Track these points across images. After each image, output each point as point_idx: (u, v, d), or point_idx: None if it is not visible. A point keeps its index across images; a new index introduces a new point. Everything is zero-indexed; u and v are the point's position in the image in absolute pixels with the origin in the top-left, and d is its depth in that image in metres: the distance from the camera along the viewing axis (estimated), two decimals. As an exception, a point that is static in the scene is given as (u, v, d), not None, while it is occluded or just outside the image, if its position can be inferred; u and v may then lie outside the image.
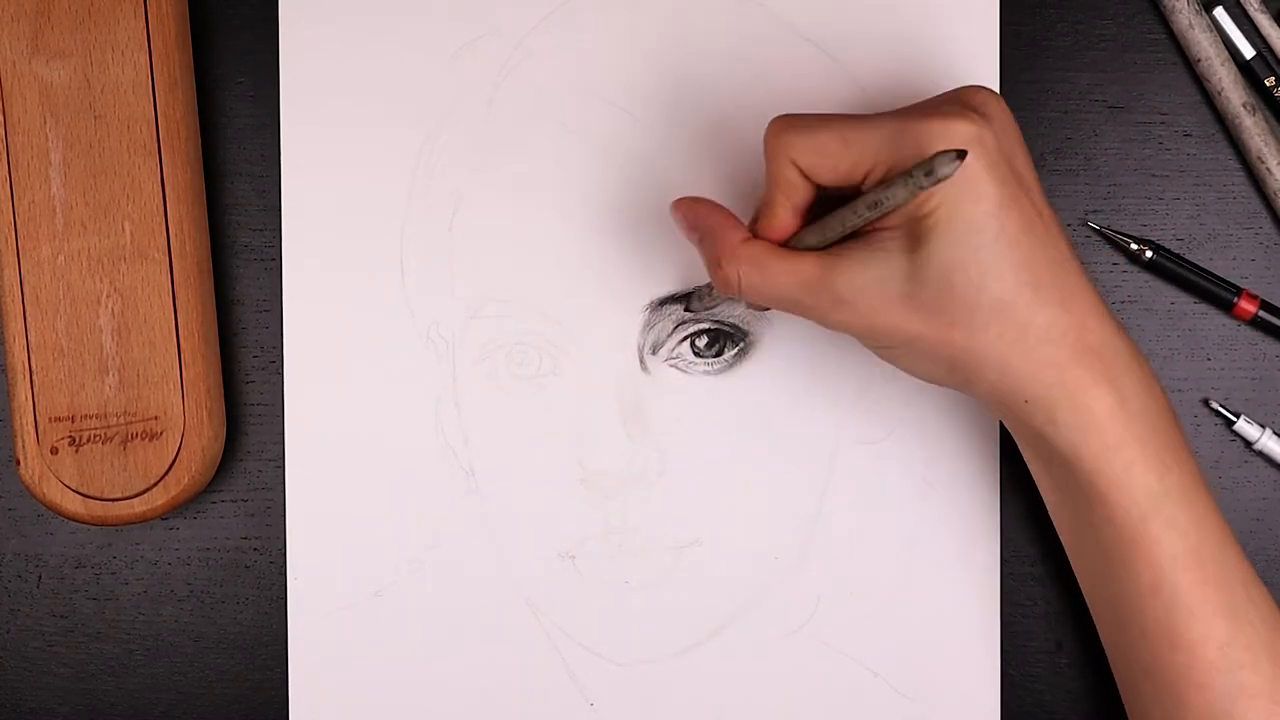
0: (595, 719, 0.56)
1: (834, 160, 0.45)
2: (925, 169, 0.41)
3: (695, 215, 0.48)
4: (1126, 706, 0.50)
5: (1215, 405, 0.56)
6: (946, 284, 0.44)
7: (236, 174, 0.56)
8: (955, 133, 0.44)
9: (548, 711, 0.56)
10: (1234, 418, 0.55)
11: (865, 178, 0.45)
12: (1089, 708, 0.56)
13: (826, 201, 0.47)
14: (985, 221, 0.44)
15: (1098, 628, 0.51)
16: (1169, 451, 0.46)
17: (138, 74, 0.53)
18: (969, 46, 0.55)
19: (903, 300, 0.45)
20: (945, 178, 0.41)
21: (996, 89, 0.55)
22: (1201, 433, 0.56)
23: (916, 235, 0.45)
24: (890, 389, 0.55)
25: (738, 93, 0.55)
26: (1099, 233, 0.56)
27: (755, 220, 0.48)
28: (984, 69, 0.55)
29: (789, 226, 0.47)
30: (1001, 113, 0.46)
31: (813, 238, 0.47)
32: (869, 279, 0.45)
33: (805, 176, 0.46)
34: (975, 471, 0.55)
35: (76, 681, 0.57)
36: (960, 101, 0.46)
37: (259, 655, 0.57)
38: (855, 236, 0.46)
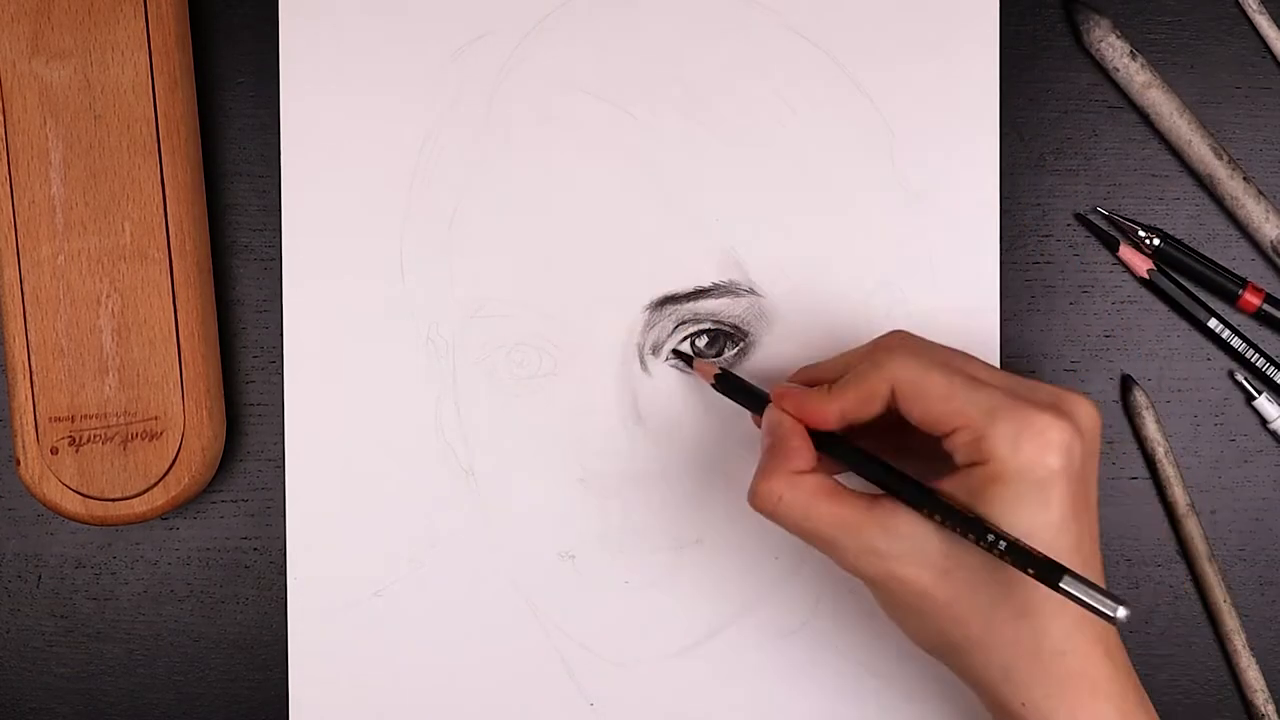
0: (595, 719, 0.56)
1: (930, 405, 0.45)
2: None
3: (779, 423, 0.48)
4: None
5: (1240, 379, 0.56)
6: (985, 574, 0.44)
7: (236, 174, 0.56)
8: (1052, 435, 0.43)
9: (548, 711, 0.56)
10: (1256, 394, 0.55)
11: (950, 434, 0.45)
12: (1089, 708, 0.56)
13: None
14: (1043, 533, 0.43)
15: None
16: None
17: (138, 74, 0.53)
18: (969, 46, 0.55)
19: (936, 573, 0.45)
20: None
21: (996, 89, 0.55)
22: (1200, 432, 0.56)
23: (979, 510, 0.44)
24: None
25: (738, 93, 0.55)
26: (1107, 218, 0.56)
27: (809, 380, 0.48)
28: (984, 69, 0.55)
29: (832, 423, 0.47)
30: (1093, 427, 0.46)
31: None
32: (911, 543, 0.45)
33: (890, 397, 0.46)
34: (975, 471, 0.55)
35: (76, 681, 0.57)
36: (1060, 402, 0.45)
37: (259, 655, 0.57)
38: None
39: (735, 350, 0.55)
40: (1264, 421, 0.56)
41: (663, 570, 0.55)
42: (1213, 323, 0.55)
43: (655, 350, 0.55)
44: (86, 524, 0.54)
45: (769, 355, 0.55)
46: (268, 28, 0.56)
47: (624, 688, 0.56)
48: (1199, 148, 0.55)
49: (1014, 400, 0.44)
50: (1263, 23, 0.56)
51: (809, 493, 0.46)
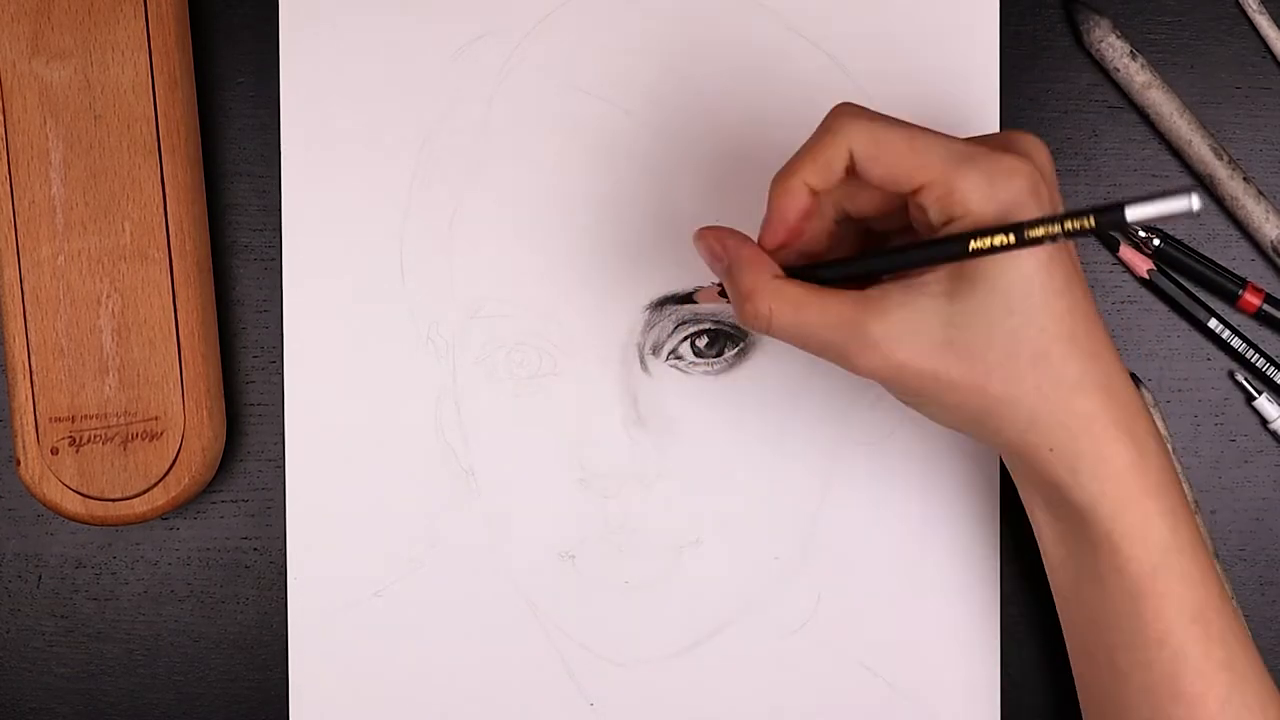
0: (595, 719, 0.56)
1: (894, 159, 0.44)
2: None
3: (723, 246, 0.47)
4: None
5: (1240, 379, 0.56)
6: (987, 332, 0.44)
7: (236, 174, 0.56)
8: (1023, 175, 0.43)
9: (548, 711, 0.56)
10: (1256, 394, 0.55)
11: (917, 190, 0.44)
12: (1089, 708, 0.56)
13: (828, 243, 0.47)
14: (1034, 271, 0.44)
15: (1087, 684, 0.50)
16: (1180, 506, 0.47)
17: (138, 74, 0.53)
18: (969, 46, 0.55)
19: (940, 346, 0.44)
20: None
21: (996, 89, 0.55)
22: (1200, 432, 0.56)
23: (961, 279, 0.44)
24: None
25: (737, 93, 0.55)
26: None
27: (769, 206, 0.47)
28: (984, 69, 0.55)
29: (802, 206, 0.46)
30: (1048, 160, 0.46)
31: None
32: (907, 323, 0.44)
33: (849, 168, 0.45)
34: (975, 471, 0.55)
35: (76, 681, 0.57)
36: (1011, 146, 0.45)
37: (259, 655, 0.57)
38: (889, 278, 0.46)
39: (735, 350, 0.55)
40: (1264, 421, 0.56)
41: (663, 570, 0.55)
42: (1213, 323, 0.55)
43: (655, 350, 0.55)
44: (86, 524, 0.54)
45: (769, 355, 0.55)
46: (268, 28, 0.56)
47: (624, 688, 0.56)
48: (1199, 148, 0.55)
49: (976, 148, 0.44)
50: (1263, 23, 0.56)
51: (796, 299, 0.45)
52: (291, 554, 0.56)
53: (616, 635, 0.56)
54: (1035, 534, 0.50)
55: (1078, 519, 0.47)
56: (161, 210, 0.53)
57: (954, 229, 0.43)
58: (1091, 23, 0.55)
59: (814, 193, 0.46)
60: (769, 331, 0.46)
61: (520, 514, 0.55)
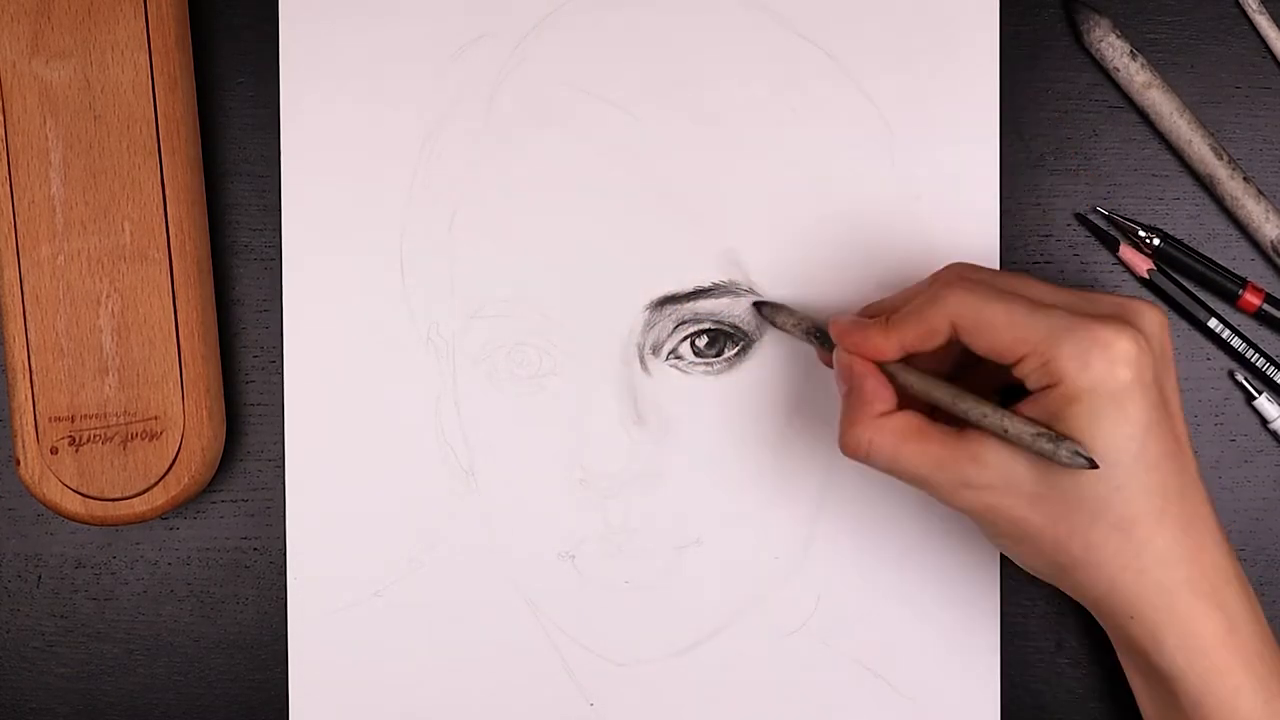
0: (595, 719, 0.56)
1: (994, 336, 0.45)
2: (1059, 448, 0.43)
3: (850, 368, 0.48)
4: None
5: (1240, 379, 0.56)
6: (1075, 494, 0.45)
7: (236, 174, 0.56)
8: (1118, 347, 0.44)
9: (548, 711, 0.56)
10: (1256, 394, 0.55)
11: (1017, 362, 0.45)
12: (1089, 708, 0.56)
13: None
14: (1125, 444, 0.44)
15: None
16: (1274, 675, 0.46)
17: (138, 74, 0.53)
18: (969, 46, 0.55)
19: (1029, 499, 0.45)
20: (1065, 465, 0.43)
21: (996, 89, 0.55)
22: (1201, 433, 0.56)
23: (1071, 431, 0.44)
24: (890, 389, 0.55)
25: (737, 93, 0.55)
26: (1107, 218, 0.56)
27: (876, 315, 0.48)
28: (984, 69, 0.55)
29: (893, 356, 0.47)
30: (1161, 332, 0.46)
31: (915, 381, 0.47)
32: (1000, 472, 0.45)
33: (952, 332, 0.46)
34: (975, 471, 0.55)
35: (76, 681, 0.57)
36: (1123, 312, 0.45)
37: (259, 655, 0.57)
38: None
39: (735, 350, 0.55)
40: (1264, 421, 0.56)
41: (663, 570, 0.55)
42: (1213, 323, 0.55)
43: (655, 350, 0.55)
44: (86, 524, 0.54)
45: (769, 355, 0.55)
46: (268, 28, 0.56)
47: (624, 688, 0.56)
48: (1199, 148, 0.55)
49: (1076, 319, 0.44)
50: (1263, 23, 0.56)
51: (896, 435, 0.46)
52: (291, 554, 0.56)
53: (616, 635, 0.56)
54: (1133, 692, 0.50)
55: (1167, 684, 0.47)
56: (161, 210, 0.53)
57: (1049, 395, 0.44)
58: (1091, 23, 0.55)
59: (910, 350, 0.47)
60: (867, 460, 0.47)
61: (520, 514, 0.55)
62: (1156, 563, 0.45)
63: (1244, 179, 0.55)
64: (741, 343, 0.55)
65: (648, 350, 0.55)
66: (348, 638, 0.56)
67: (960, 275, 0.47)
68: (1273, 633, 0.48)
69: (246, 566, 0.57)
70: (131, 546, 0.57)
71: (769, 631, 0.56)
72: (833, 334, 0.49)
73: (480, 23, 0.55)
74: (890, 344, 0.47)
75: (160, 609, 0.57)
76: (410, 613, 0.56)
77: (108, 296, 0.53)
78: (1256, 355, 0.55)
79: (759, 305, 0.54)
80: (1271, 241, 0.55)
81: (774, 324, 0.53)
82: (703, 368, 0.55)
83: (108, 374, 0.53)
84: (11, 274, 0.53)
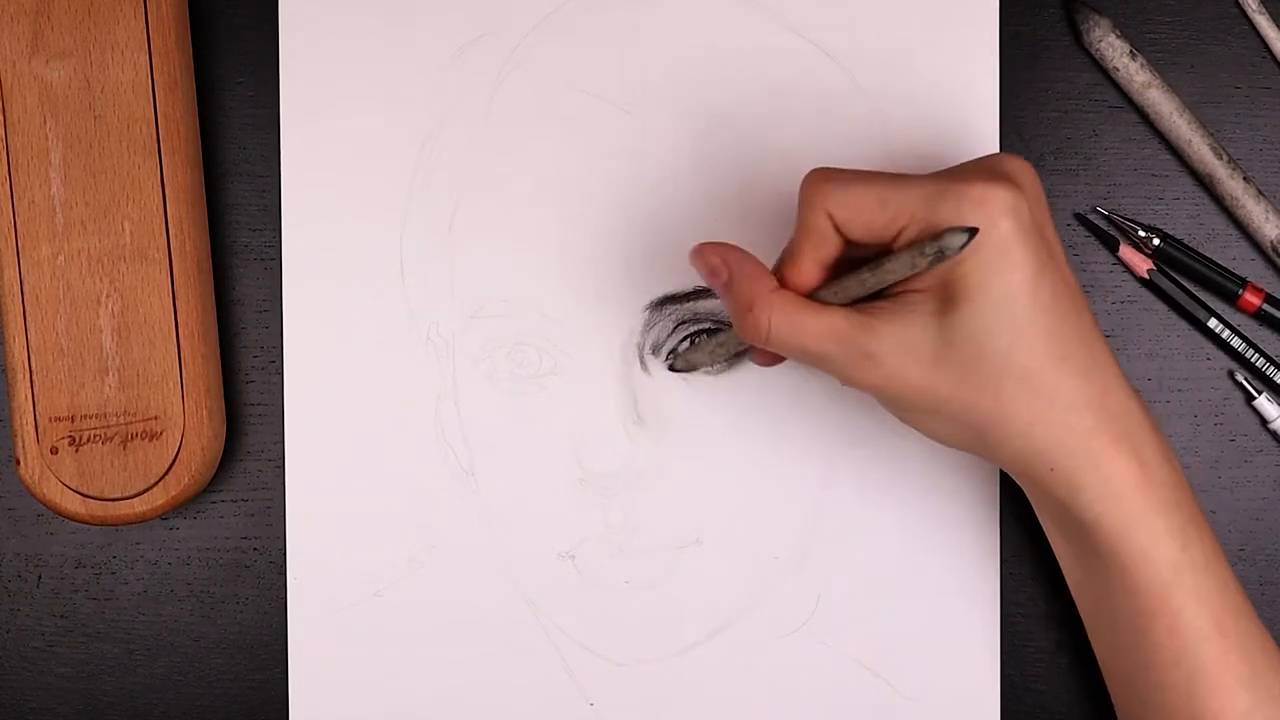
0: (595, 719, 0.56)
1: (869, 216, 0.45)
2: (934, 247, 0.43)
3: (723, 259, 0.48)
4: None
5: (1240, 379, 0.56)
6: (976, 350, 0.44)
7: (236, 174, 0.56)
8: (993, 199, 0.44)
9: (548, 711, 0.56)
10: (1256, 394, 0.55)
11: (898, 236, 0.45)
12: (1089, 708, 0.56)
13: (849, 263, 0.47)
14: (1019, 291, 0.44)
15: (1114, 700, 0.50)
16: (1191, 522, 0.46)
17: (138, 74, 0.53)
18: (969, 46, 0.55)
19: (932, 363, 0.45)
20: (951, 254, 0.42)
21: (996, 89, 0.55)
22: (1200, 432, 0.56)
23: (949, 299, 0.45)
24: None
25: (737, 93, 0.55)
26: (1107, 218, 0.56)
27: (778, 268, 0.48)
28: (984, 69, 0.55)
29: (812, 278, 0.47)
30: (1033, 181, 0.46)
31: (830, 296, 0.47)
32: (899, 339, 0.45)
33: (837, 230, 0.46)
34: (975, 472, 0.55)
35: (76, 681, 0.57)
36: (992, 168, 0.46)
37: (259, 655, 0.57)
38: (884, 296, 0.46)
39: (735, 350, 0.55)
40: (1264, 421, 0.56)
41: (663, 570, 0.55)
42: (1213, 323, 0.55)
43: (655, 350, 0.55)
44: (86, 524, 0.54)
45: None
46: (268, 28, 0.56)
47: (624, 688, 0.56)
48: (1199, 148, 0.55)
49: (945, 182, 0.44)
50: (1263, 23, 0.56)
51: (794, 310, 0.46)
52: (291, 554, 0.56)
53: (616, 635, 0.56)
54: (1056, 556, 0.50)
55: (1087, 540, 0.47)
56: (161, 210, 0.53)
57: (939, 268, 0.44)
58: (1091, 22, 0.55)
59: (822, 265, 0.47)
60: (767, 343, 0.46)
61: (520, 514, 0.55)
62: (1066, 407, 0.45)
63: (1244, 179, 0.55)
64: (741, 343, 0.55)
65: (648, 350, 0.55)
66: (348, 638, 0.56)
67: (819, 174, 0.46)
68: (1266, 617, 0.48)
69: (246, 566, 0.57)
70: (131, 546, 0.57)
71: (769, 631, 0.56)
72: (697, 252, 0.48)
73: (480, 23, 0.55)
74: (802, 264, 0.47)
75: (160, 609, 0.57)
76: (410, 612, 0.56)
77: (108, 296, 0.53)
78: (1256, 355, 0.55)
79: (673, 369, 0.54)
80: (1271, 241, 0.55)
81: (694, 369, 0.54)
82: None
83: (108, 374, 0.53)
84: (11, 274, 0.53)
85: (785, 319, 0.46)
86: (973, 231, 0.42)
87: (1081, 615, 0.51)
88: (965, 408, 0.45)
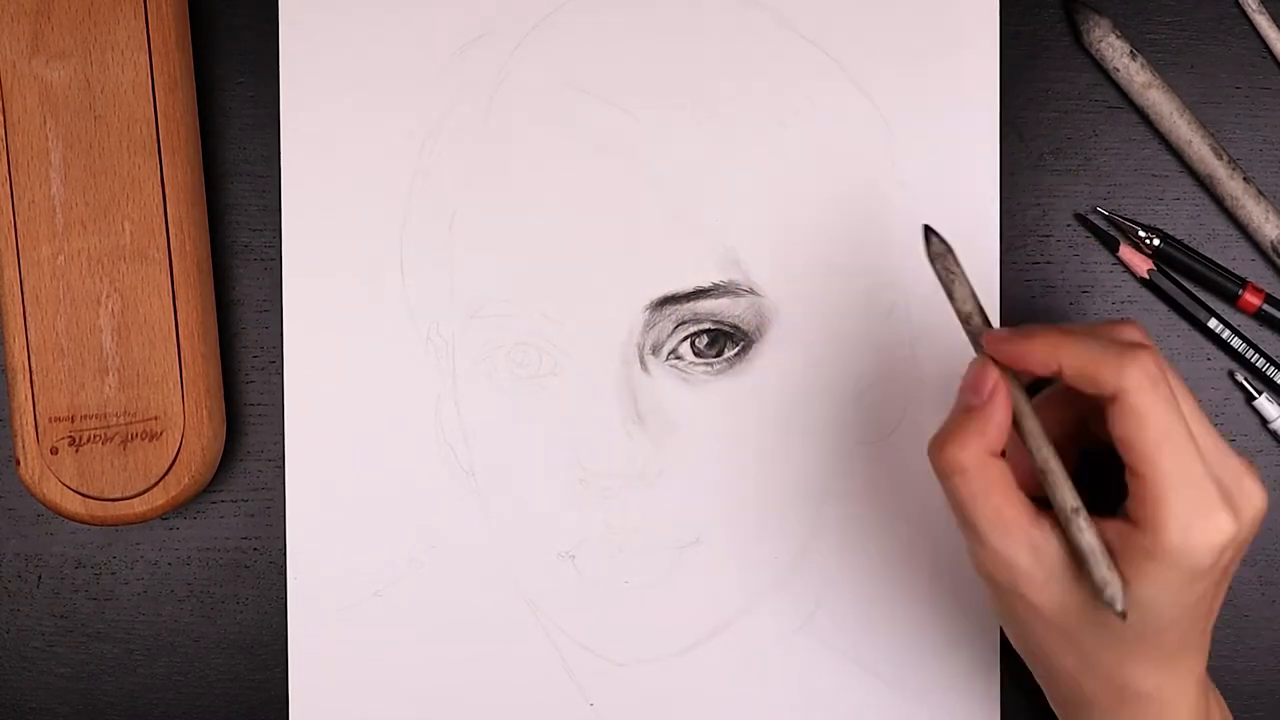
0: (595, 719, 0.56)
1: (1141, 435, 0.42)
2: (1107, 583, 0.43)
3: (990, 385, 0.45)
4: None
5: (1240, 379, 0.56)
6: (1096, 619, 0.44)
7: (236, 174, 0.56)
8: (1219, 533, 0.42)
9: (548, 711, 0.56)
10: (1256, 394, 0.55)
11: (1134, 472, 0.43)
12: (1089, 708, 0.56)
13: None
14: (1171, 613, 0.43)
15: None
16: None
17: (138, 74, 0.53)
18: (969, 46, 0.55)
19: (1057, 600, 0.44)
20: (1097, 593, 0.43)
21: (996, 89, 0.55)
22: (1201, 433, 0.56)
23: (1129, 566, 0.43)
24: (890, 389, 0.55)
25: (737, 93, 0.55)
26: (1107, 218, 0.56)
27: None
28: (984, 69, 0.55)
29: (1047, 370, 0.44)
30: (1255, 520, 0.44)
31: (1030, 424, 0.45)
32: (1051, 570, 0.44)
33: (1107, 398, 0.43)
34: (975, 471, 0.55)
35: (76, 681, 0.57)
36: (1235, 488, 0.44)
37: (259, 655, 0.57)
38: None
39: (735, 350, 0.55)
40: (1264, 421, 0.56)
41: (663, 570, 0.55)
42: (1213, 323, 0.55)
43: (655, 350, 0.55)
44: (86, 524, 0.54)
45: (769, 355, 0.55)
46: (268, 28, 0.56)
47: (624, 688, 0.56)
48: (1199, 148, 0.55)
49: (1201, 478, 0.42)
50: (1263, 23, 0.56)
51: (990, 480, 0.44)
52: (291, 554, 0.56)
53: (616, 635, 0.56)
54: None
55: None
56: (161, 210, 0.53)
57: (1135, 531, 0.43)
58: (1091, 23, 0.55)
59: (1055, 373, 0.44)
60: (941, 479, 0.45)
61: (520, 514, 0.55)
62: (1137, 695, 0.45)
63: (1244, 179, 0.55)
64: (741, 343, 0.55)
65: (648, 350, 0.55)
66: (348, 638, 0.56)
67: (1150, 357, 0.43)
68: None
69: (246, 566, 0.57)
70: (131, 546, 0.57)
71: (769, 631, 0.56)
72: (987, 342, 0.45)
73: (480, 23, 0.55)
74: (1050, 356, 0.43)
75: (160, 609, 0.57)
76: (410, 613, 0.56)
77: (108, 296, 0.53)
78: (1256, 355, 0.55)
79: (930, 235, 0.46)
80: (1271, 242, 0.55)
81: (936, 272, 0.46)
82: (703, 368, 0.55)
83: (108, 374, 0.53)
84: (11, 274, 0.53)
85: (976, 483, 0.44)
86: (1122, 616, 0.43)
87: None
88: (1055, 648, 0.45)
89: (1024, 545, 0.44)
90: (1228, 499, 0.43)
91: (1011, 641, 0.48)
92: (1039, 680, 0.49)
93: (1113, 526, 0.43)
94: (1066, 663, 0.46)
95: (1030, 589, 0.44)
